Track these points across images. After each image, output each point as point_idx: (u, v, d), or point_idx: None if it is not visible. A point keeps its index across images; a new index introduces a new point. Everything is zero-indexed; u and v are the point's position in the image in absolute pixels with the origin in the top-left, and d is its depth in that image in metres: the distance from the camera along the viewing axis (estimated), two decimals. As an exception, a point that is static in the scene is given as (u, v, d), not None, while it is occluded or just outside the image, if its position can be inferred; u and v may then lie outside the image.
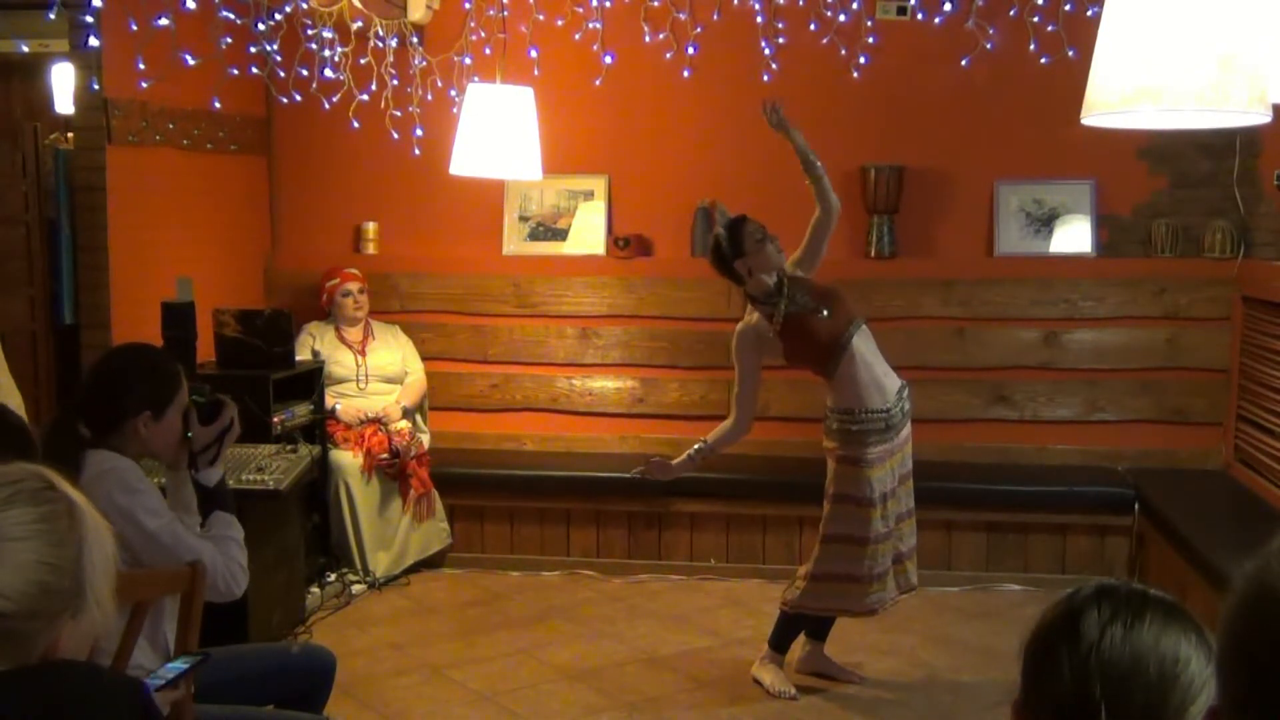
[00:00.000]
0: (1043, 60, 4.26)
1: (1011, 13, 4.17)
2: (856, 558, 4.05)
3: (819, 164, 4.06)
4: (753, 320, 4.12)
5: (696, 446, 4.19)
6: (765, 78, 4.47)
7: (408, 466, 5.30)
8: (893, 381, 4.11)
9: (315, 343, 5.43)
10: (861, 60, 4.52)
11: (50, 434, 2.69)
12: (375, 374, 5.50)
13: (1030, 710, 1.31)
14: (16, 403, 3.52)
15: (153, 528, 2.60)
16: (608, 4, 4.39)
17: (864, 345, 4.08)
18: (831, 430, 4.10)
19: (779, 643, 4.26)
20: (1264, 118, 1.92)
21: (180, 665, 2.29)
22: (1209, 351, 5.45)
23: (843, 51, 4.51)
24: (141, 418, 2.68)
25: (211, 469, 2.79)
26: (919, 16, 4.96)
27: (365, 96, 4.41)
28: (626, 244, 5.71)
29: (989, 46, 4.17)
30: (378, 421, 5.34)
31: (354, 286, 5.53)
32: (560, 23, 4.45)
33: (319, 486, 5.17)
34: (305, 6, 4.13)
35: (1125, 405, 5.54)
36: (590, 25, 4.37)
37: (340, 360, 5.46)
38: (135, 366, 2.78)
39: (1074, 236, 5.56)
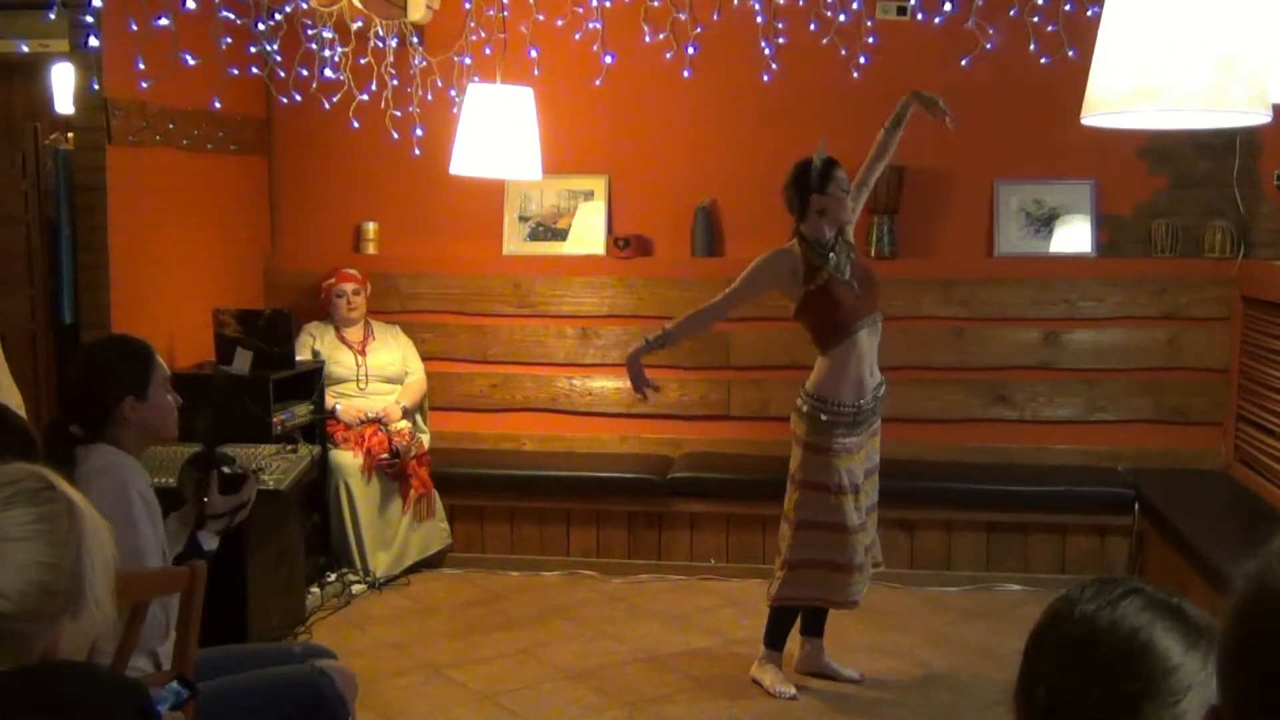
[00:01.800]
0: (1043, 60, 4.26)
1: (1011, 13, 4.17)
2: (839, 546, 4.05)
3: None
4: (795, 252, 4.10)
5: (657, 333, 4.14)
6: (765, 78, 4.47)
7: (408, 467, 5.30)
8: (874, 380, 4.13)
9: (315, 343, 5.43)
10: (861, 60, 4.52)
11: (44, 439, 2.71)
12: (375, 374, 5.50)
13: (1017, 696, 1.34)
14: (16, 403, 3.52)
15: (130, 545, 2.58)
16: (608, 4, 4.38)
17: (868, 340, 4.10)
18: (802, 413, 4.09)
19: (773, 640, 4.26)
20: (1264, 118, 1.92)
21: (171, 697, 2.27)
22: (1209, 351, 5.45)
23: (843, 51, 4.50)
24: (126, 402, 2.71)
25: (213, 536, 2.82)
26: (919, 16, 4.96)
27: (365, 96, 4.40)
28: (626, 244, 5.71)
29: (989, 46, 4.17)
30: (378, 422, 5.34)
31: (349, 287, 5.52)
32: (560, 23, 4.44)
33: (319, 486, 5.17)
34: (305, 6, 4.13)
35: (1125, 405, 5.54)
36: (590, 25, 4.37)
37: (340, 360, 5.46)
38: (106, 356, 2.82)
39: (1074, 236, 5.56)
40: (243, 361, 3.63)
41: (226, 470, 2.84)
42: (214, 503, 2.80)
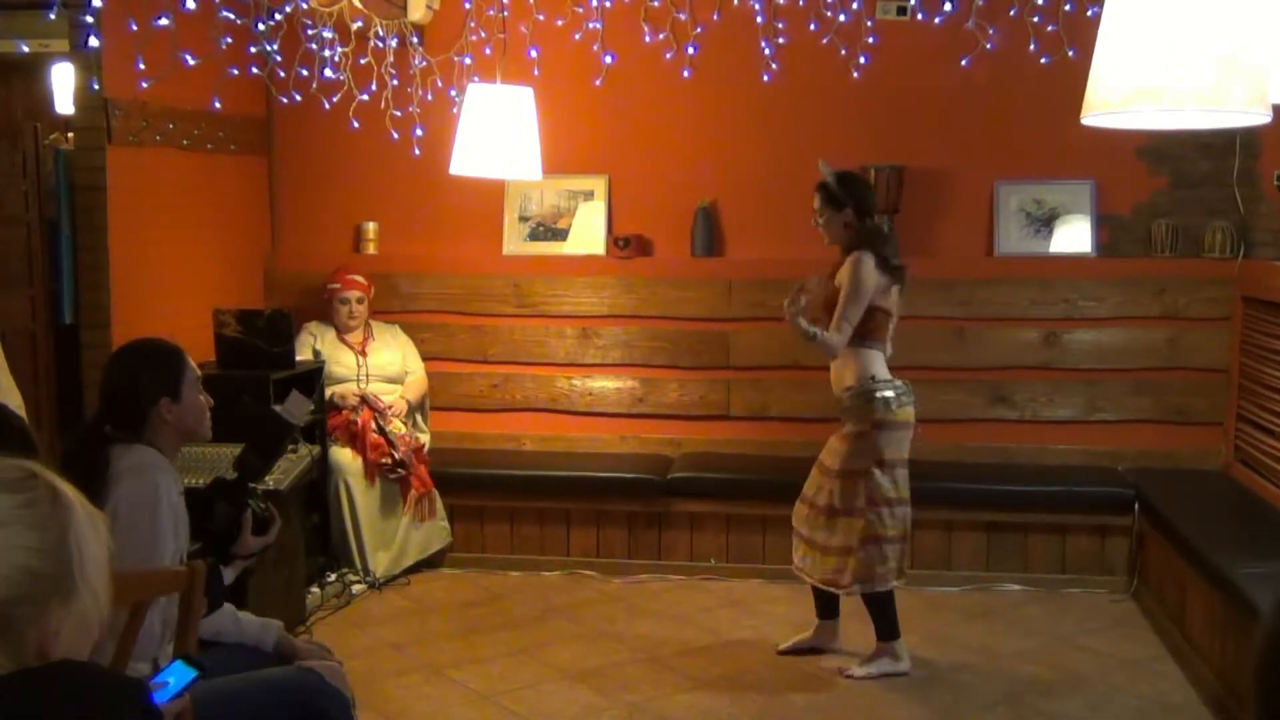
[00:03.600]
0: (1043, 60, 4.26)
1: (1011, 13, 4.17)
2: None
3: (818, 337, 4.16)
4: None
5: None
6: (765, 78, 4.47)
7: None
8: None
9: (316, 343, 5.43)
10: (861, 60, 4.52)
11: (76, 436, 2.74)
12: (376, 374, 5.49)
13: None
14: (16, 403, 3.52)
15: (147, 553, 2.61)
16: (608, 4, 4.39)
17: None
18: (882, 399, 4.26)
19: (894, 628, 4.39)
20: (1264, 118, 1.92)
21: (178, 681, 2.26)
22: (1209, 351, 5.45)
23: (843, 51, 4.50)
24: (161, 404, 2.75)
25: (232, 571, 2.89)
26: (919, 16, 4.96)
27: (365, 96, 4.40)
28: (626, 244, 5.71)
29: (989, 46, 4.17)
30: (375, 409, 5.31)
31: (353, 296, 5.49)
32: (560, 23, 4.44)
33: (319, 486, 5.17)
34: (305, 6, 4.13)
35: (1125, 405, 5.54)
36: (590, 25, 4.37)
37: (341, 360, 5.45)
38: (138, 360, 2.86)
39: (1074, 236, 5.56)
40: (297, 407, 3.42)
41: (258, 513, 2.91)
42: (246, 544, 2.87)
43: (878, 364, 4.26)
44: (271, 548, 3.00)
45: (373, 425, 5.29)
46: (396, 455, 5.24)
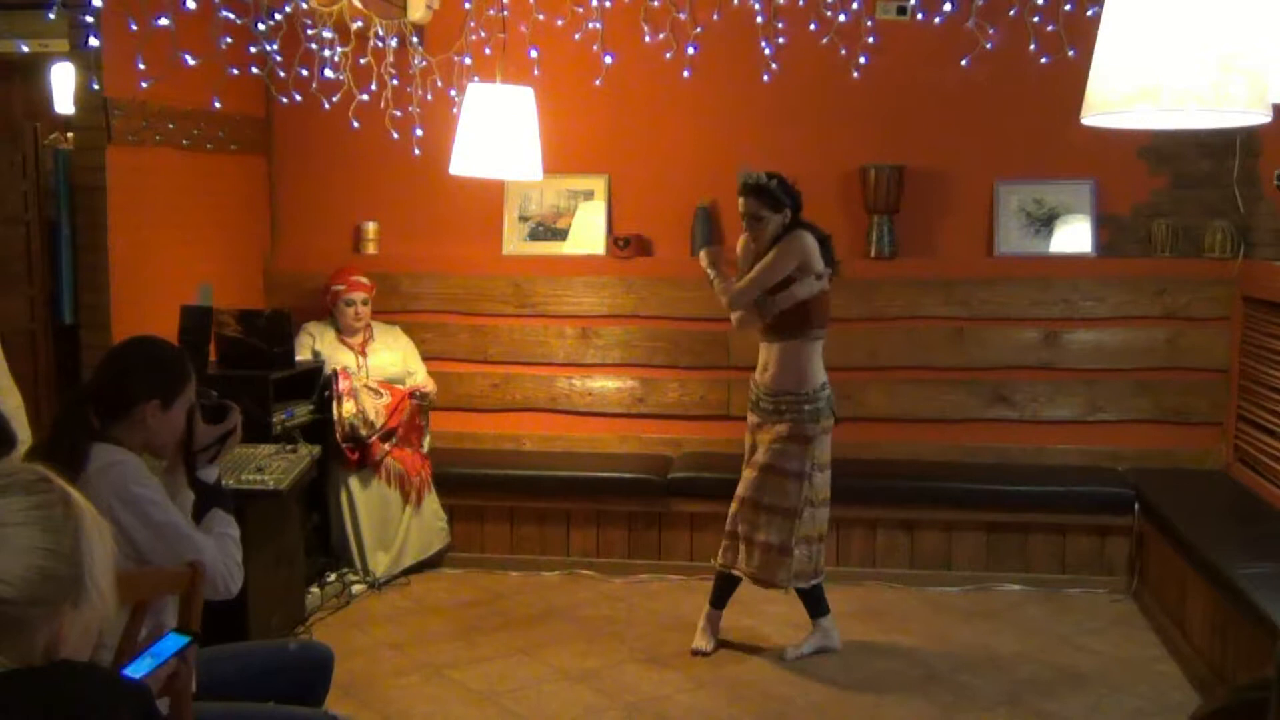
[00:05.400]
0: (1043, 60, 4.26)
1: (1011, 13, 4.16)
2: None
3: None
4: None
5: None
6: (765, 78, 4.47)
7: (374, 449, 5.25)
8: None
9: (315, 343, 5.43)
10: (861, 60, 4.51)
11: (61, 421, 2.71)
12: (375, 374, 5.49)
13: None
14: (16, 403, 3.52)
15: (159, 519, 2.62)
16: (608, 4, 4.38)
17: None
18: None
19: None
20: (1264, 118, 1.92)
21: (168, 649, 2.24)
22: (1209, 351, 5.45)
23: (843, 51, 4.50)
24: (150, 406, 2.71)
25: (210, 467, 2.82)
26: (919, 16, 4.96)
27: (365, 96, 4.40)
28: (626, 244, 5.71)
29: (989, 46, 4.16)
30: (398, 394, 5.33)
31: (358, 297, 5.49)
32: (560, 23, 4.44)
33: (319, 486, 5.17)
34: (305, 6, 4.12)
35: (1125, 405, 5.54)
36: (590, 25, 4.36)
37: (340, 360, 5.44)
38: (149, 355, 2.82)
39: (1074, 236, 5.56)
40: (205, 295, 3.45)
41: (206, 403, 2.83)
42: (200, 435, 2.79)
43: (820, 366, 4.37)
44: (252, 504, 2.90)
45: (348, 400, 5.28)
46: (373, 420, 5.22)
